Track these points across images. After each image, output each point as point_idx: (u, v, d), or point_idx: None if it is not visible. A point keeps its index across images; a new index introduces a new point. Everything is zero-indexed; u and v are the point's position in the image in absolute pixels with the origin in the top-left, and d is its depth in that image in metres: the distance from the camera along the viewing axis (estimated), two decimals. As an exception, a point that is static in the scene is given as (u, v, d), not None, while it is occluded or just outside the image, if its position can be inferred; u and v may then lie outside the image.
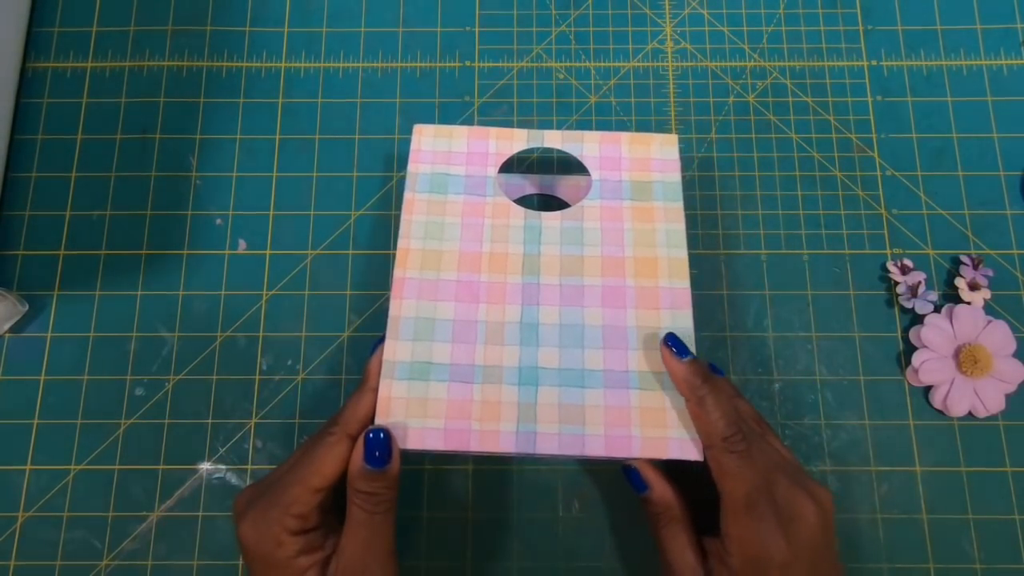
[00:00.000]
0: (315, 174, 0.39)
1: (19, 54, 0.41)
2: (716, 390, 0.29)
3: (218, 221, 0.39)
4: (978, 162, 0.39)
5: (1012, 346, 0.36)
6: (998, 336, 0.36)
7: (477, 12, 0.42)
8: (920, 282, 0.37)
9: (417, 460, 0.35)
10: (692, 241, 0.38)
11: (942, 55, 0.41)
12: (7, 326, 0.36)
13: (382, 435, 0.28)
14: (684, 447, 0.29)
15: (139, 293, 0.37)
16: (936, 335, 0.36)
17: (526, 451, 0.29)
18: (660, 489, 0.30)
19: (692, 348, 0.31)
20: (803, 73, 0.41)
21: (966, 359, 0.35)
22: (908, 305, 0.37)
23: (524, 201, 0.38)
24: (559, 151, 0.37)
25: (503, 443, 0.29)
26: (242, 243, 0.38)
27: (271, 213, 0.39)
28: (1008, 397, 0.35)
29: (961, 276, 0.37)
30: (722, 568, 0.28)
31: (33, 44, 0.42)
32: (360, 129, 0.40)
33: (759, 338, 0.37)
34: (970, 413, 0.35)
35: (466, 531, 0.34)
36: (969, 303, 0.36)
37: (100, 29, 0.42)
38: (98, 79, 0.41)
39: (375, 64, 0.41)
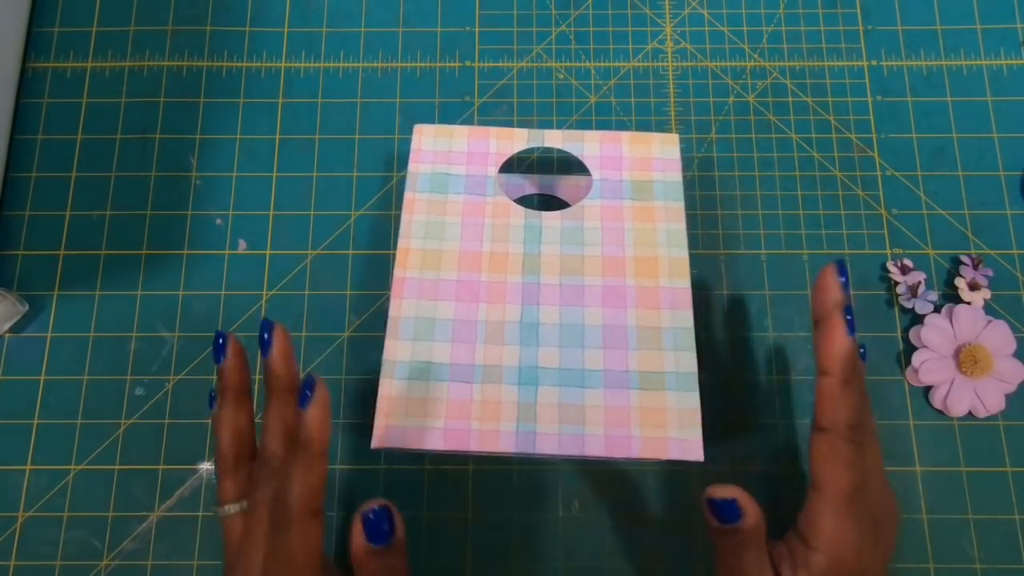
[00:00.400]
0: (315, 174, 0.39)
1: (19, 54, 0.41)
2: (861, 376, 0.27)
3: (218, 221, 0.39)
4: (978, 162, 0.39)
5: (1012, 346, 0.36)
6: (998, 336, 0.36)
7: (477, 12, 0.42)
8: (920, 282, 0.37)
9: (417, 460, 0.35)
10: (692, 241, 0.38)
11: (942, 55, 0.41)
12: (7, 326, 0.36)
13: (382, 510, 0.26)
14: (684, 447, 0.29)
15: (139, 293, 0.37)
16: (936, 335, 0.36)
17: (526, 451, 0.29)
18: (754, 515, 0.28)
19: (692, 348, 0.31)
20: (803, 73, 0.41)
21: (966, 359, 0.35)
22: (908, 305, 0.37)
23: (524, 201, 0.38)
24: (559, 151, 0.38)
25: (503, 443, 0.29)
26: (242, 243, 0.38)
27: (271, 213, 0.39)
28: (1008, 397, 0.35)
29: (961, 276, 0.37)
30: (799, 571, 0.26)
31: (33, 44, 0.42)
32: (360, 129, 0.40)
33: (759, 338, 0.37)
34: (970, 413, 0.35)
35: (466, 531, 0.34)
36: (969, 303, 0.36)
37: (100, 29, 0.42)
38: (98, 79, 0.41)
39: (375, 64, 0.41)
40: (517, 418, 0.30)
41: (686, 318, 0.31)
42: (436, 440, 0.29)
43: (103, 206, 0.39)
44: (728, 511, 0.28)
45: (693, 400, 0.30)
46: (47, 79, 0.41)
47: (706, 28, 0.42)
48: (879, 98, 0.41)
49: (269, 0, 0.42)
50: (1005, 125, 0.40)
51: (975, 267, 0.37)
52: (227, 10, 0.42)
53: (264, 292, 0.38)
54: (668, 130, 0.40)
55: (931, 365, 0.35)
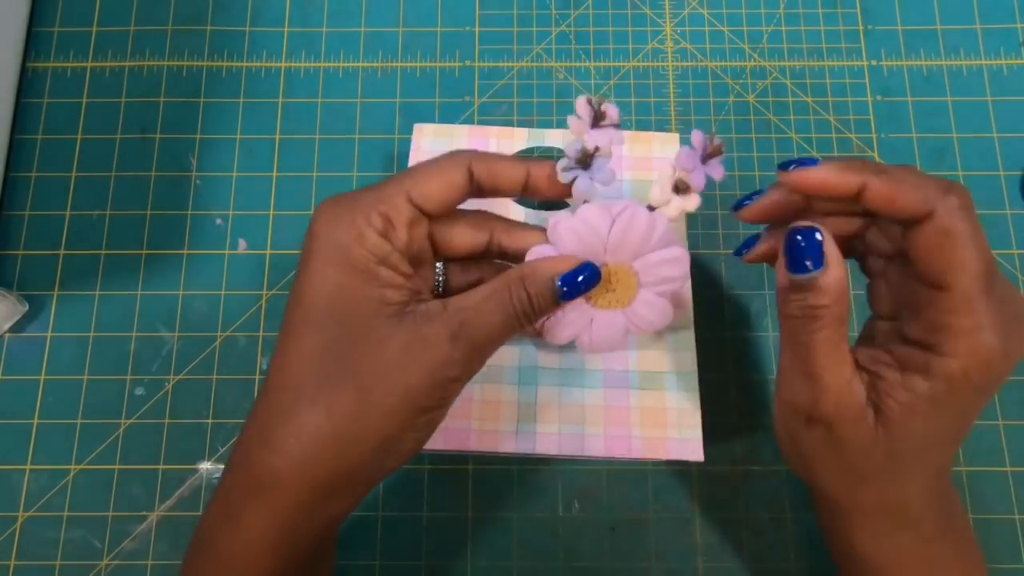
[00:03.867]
0: (315, 174, 0.39)
1: (19, 54, 0.41)
2: (897, 167, 0.23)
3: (218, 221, 0.39)
4: (978, 162, 0.39)
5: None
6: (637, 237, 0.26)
7: (477, 12, 0.42)
8: (599, 148, 0.25)
9: (417, 460, 0.35)
10: (692, 241, 0.38)
11: (942, 55, 0.41)
12: (7, 326, 0.36)
13: (815, 235, 0.22)
14: (684, 447, 0.29)
15: (139, 293, 0.37)
16: (572, 238, 0.25)
17: (526, 451, 0.29)
18: (840, 270, 0.23)
19: (692, 348, 0.31)
20: (803, 73, 0.41)
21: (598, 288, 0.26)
22: (566, 179, 0.25)
23: (524, 201, 0.38)
24: (559, 151, 0.37)
25: (503, 443, 0.29)
26: (242, 243, 0.38)
27: (271, 213, 0.39)
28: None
29: (677, 167, 0.25)
30: (914, 379, 0.22)
31: (33, 44, 0.42)
32: (360, 129, 0.40)
33: (759, 338, 0.37)
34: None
35: (466, 531, 0.34)
36: (654, 209, 0.25)
37: (100, 29, 0.42)
38: (98, 79, 0.41)
39: (375, 64, 0.41)
40: (517, 418, 0.30)
41: (686, 318, 0.31)
42: (436, 440, 0.29)
43: (103, 206, 0.39)
44: (810, 250, 0.22)
45: (693, 400, 0.30)
46: (47, 79, 0.41)
47: (706, 28, 0.42)
48: (879, 98, 0.41)
49: (269, 0, 0.42)
50: (1005, 125, 0.40)
51: (708, 154, 0.25)
52: (227, 10, 0.42)
53: (264, 292, 0.38)
54: (668, 130, 0.40)
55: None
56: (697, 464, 0.31)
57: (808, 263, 0.22)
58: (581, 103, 0.24)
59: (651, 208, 0.25)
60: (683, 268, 0.26)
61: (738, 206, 0.26)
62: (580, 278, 0.24)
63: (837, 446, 0.23)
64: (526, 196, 0.26)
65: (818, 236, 0.23)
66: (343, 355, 0.23)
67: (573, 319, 0.26)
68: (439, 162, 0.24)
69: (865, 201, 0.23)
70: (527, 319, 0.24)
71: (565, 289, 0.24)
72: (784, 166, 0.24)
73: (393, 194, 0.24)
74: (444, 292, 0.27)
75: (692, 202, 0.25)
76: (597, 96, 0.25)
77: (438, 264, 0.27)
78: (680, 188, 0.25)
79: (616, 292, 0.26)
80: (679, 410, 0.30)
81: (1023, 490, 0.35)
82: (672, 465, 0.35)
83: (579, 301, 0.26)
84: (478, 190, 0.25)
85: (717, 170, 0.25)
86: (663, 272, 0.26)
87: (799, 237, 0.23)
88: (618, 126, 0.25)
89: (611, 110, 0.25)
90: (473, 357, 0.23)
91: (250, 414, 0.24)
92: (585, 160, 0.24)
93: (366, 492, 0.25)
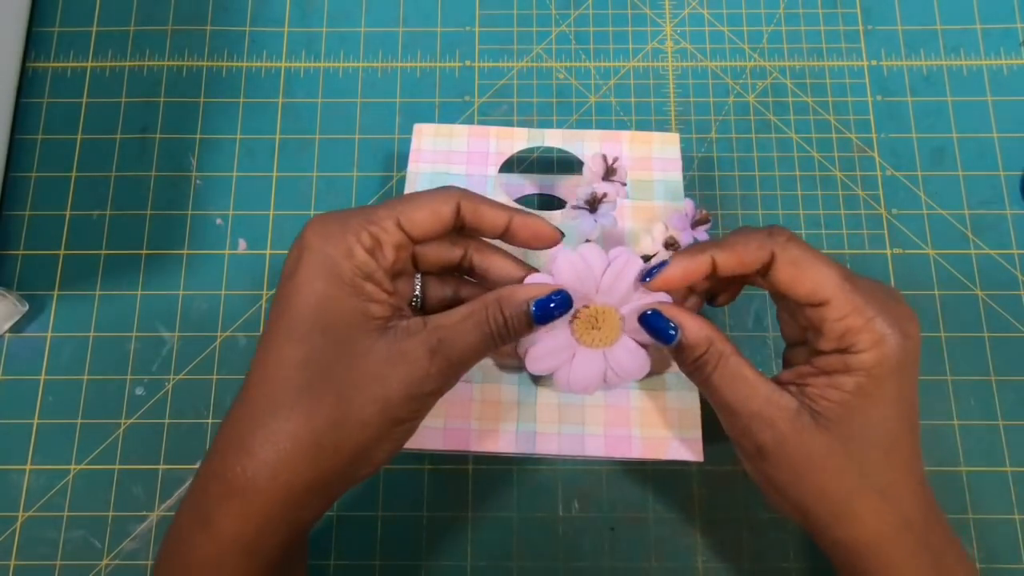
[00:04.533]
0: (315, 174, 0.39)
1: (19, 54, 0.41)
2: (731, 233, 0.27)
3: (218, 221, 0.39)
4: (978, 162, 0.39)
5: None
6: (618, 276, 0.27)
7: (477, 12, 0.42)
8: (606, 194, 0.28)
9: (417, 460, 0.35)
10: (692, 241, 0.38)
11: (942, 55, 0.41)
12: (7, 326, 0.36)
13: (656, 313, 0.26)
14: (684, 447, 0.29)
15: (139, 293, 0.37)
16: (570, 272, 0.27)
17: (526, 451, 0.29)
18: (693, 326, 0.26)
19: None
20: (803, 73, 0.41)
21: (582, 324, 0.27)
22: (571, 220, 0.29)
23: (524, 201, 0.38)
24: (559, 151, 0.37)
25: (503, 443, 0.29)
26: (242, 243, 0.38)
27: (271, 213, 0.39)
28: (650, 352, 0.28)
29: (667, 227, 0.30)
30: (838, 378, 0.24)
31: (33, 44, 0.42)
32: (360, 129, 0.40)
33: (759, 338, 0.37)
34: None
35: (466, 531, 0.34)
36: (647, 260, 0.28)
37: (100, 29, 0.42)
38: (98, 79, 0.41)
39: (375, 64, 0.41)
40: (517, 418, 0.30)
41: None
42: (436, 440, 0.29)
43: (103, 206, 0.39)
44: (657, 326, 0.26)
45: (693, 400, 0.30)
46: (47, 79, 0.41)
47: (706, 28, 0.42)
48: (879, 98, 0.41)
49: (269, 0, 0.42)
50: (1005, 125, 0.40)
51: (696, 222, 0.30)
52: (227, 10, 0.42)
53: (264, 292, 0.38)
54: (668, 130, 0.40)
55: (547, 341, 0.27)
56: (697, 464, 0.31)
57: (666, 333, 0.26)
58: (596, 159, 0.29)
59: (645, 259, 0.28)
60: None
61: (644, 278, 0.27)
62: (552, 304, 0.25)
63: (796, 465, 0.25)
64: (505, 240, 0.28)
65: (660, 312, 0.26)
66: (325, 365, 0.23)
67: (556, 350, 0.27)
68: (431, 194, 0.26)
69: (720, 271, 0.26)
70: (502, 339, 0.25)
71: (538, 313, 0.25)
72: (644, 278, 0.27)
73: (384, 217, 0.25)
74: (422, 304, 0.29)
75: None
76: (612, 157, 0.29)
77: (417, 276, 0.28)
78: (669, 244, 0.29)
79: (601, 331, 0.27)
80: (679, 410, 0.30)
81: (1023, 490, 0.35)
82: (672, 465, 0.35)
83: (565, 333, 0.27)
84: (461, 226, 0.27)
85: (702, 235, 0.30)
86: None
87: (647, 320, 0.26)
88: (624, 184, 0.29)
89: (620, 168, 0.29)
90: (449, 373, 0.24)
91: (226, 418, 0.24)
92: (593, 204, 0.28)
93: (339, 497, 0.25)
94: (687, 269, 0.26)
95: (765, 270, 0.26)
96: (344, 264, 0.24)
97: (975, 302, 0.37)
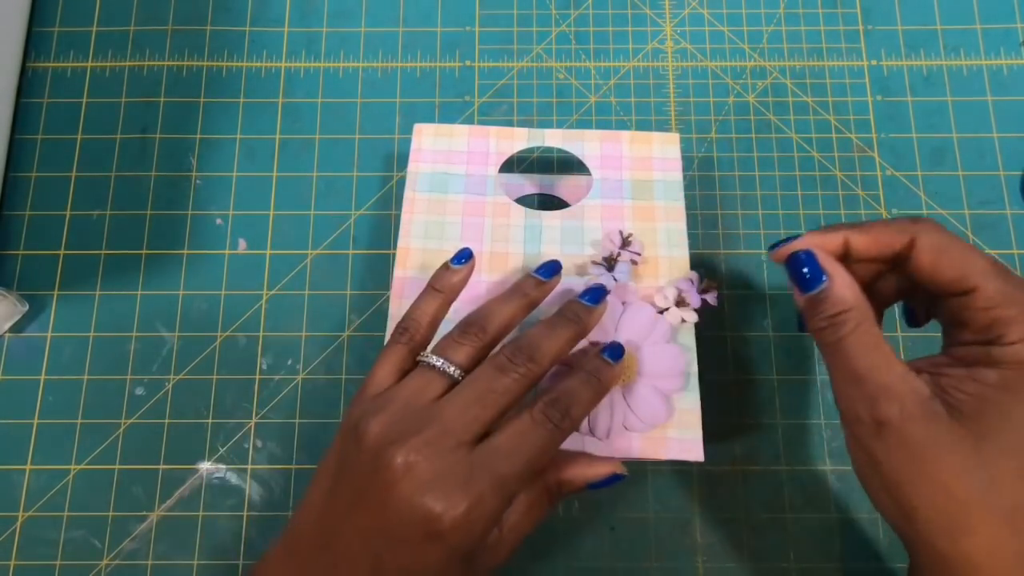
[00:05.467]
0: (315, 174, 0.39)
1: (19, 54, 0.41)
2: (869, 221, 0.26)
3: (218, 221, 0.39)
4: (978, 162, 0.39)
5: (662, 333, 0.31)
6: (638, 322, 0.31)
7: (477, 12, 0.42)
8: (620, 253, 0.32)
9: (417, 460, 0.35)
10: (692, 241, 0.38)
11: (942, 55, 0.41)
12: (7, 326, 0.36)
13: (809, 254, 0.25)
14: (684, 447, 0.29)
15: (139, 293, 0.37)
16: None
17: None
18: (846, 280, 0.24)
19: (693, 348, 0.31)
20: (803, 73, 0.41)
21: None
22: (595, 274, 0.32)
23: (524, 201, 0.38)
24: (559, 150, 0.37)
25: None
26: (242, 243, 0.38)
27: (271, 213, 0.39)
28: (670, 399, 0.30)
29: (679, 289, 0.32)
30: (987, 372, 0.23)
31: (33, 44, 0.42)
32: (360, 129, 0.40)
33: (759, 338, 0.37)
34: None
35: (466, 531, 0.34)
36: (663, 311, 0.31)
37: (100, 29, 0.42)
38: (98, 79, 0.41)
39: (375, 64, 0.41)
40: (517, 418, 0.30)
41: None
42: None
43: (103, 206, 0.39)
44: (809, 268, 0.25)
45: (693, 400, 0.30)
46: (47, 79, 0.41)
47: (706, 28, 0.42)
48: (879, 98, 0.41)
49: (269, 0, 0.42)
50: (1005, 125, 0.40)
51: (701, 290, 0.32)
52: (227, 10, 0.42)
53: (264, 292, 0.38)
54: (668, 130, 0.40)
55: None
56: (697, 464, 0.31)
57: (812, 279, 0.24)
58: (614, 233, 0.32)
59: (660, 311, 0.31)
60: (679, 365, 0.30)
61: (772, 247, 0.27)
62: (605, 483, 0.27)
63: (917, 452, 0.22)
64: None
65: (812, 254, 0.25)
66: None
67: None
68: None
69: (853, 253, 0.26)
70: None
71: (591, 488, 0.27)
72: (772, 247, 0.27)
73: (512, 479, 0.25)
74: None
75: (689, 315, 0.31)
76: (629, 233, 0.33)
77: None
78: (680, 303, 0.31)
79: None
80: (679, 410, 0.30)
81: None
82: (672, 465, 0.35)
83: None
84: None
85: (712, 298, 0.32)
86: (663, 363, 0.30)
87: (797, 259, 0.25)
88: (639, 253, 0.32)
89: (634, 240, 0.32)
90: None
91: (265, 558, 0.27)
92: (611, 264, 0.32)
93: None
94: (815, 244, 0.25)
95: (901, 259, 0.25)
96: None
97: (975, 302, 0.37)
